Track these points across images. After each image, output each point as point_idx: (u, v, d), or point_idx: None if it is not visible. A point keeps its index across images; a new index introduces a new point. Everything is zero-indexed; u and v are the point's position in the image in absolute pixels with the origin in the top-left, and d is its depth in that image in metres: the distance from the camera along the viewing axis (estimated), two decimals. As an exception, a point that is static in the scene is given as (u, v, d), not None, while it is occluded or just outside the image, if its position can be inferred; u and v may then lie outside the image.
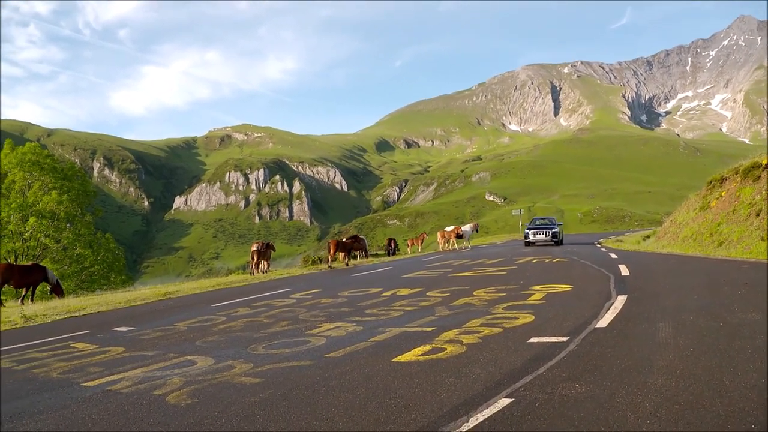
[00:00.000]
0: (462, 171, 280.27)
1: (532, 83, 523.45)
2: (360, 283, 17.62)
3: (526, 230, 36.49)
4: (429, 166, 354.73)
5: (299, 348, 8.45)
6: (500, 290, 13.32)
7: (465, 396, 5.55)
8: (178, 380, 6.96)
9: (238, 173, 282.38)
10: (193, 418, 5.49)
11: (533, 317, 9.54)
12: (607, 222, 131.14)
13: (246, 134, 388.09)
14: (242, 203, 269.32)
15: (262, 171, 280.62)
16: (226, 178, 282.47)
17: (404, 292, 14.56)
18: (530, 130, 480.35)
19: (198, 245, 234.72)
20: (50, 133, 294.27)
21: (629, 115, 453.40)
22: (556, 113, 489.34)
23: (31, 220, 34.15)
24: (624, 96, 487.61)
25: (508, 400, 5.31)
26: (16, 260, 32.66)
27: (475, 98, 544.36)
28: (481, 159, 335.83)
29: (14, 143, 39.44)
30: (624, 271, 16.08)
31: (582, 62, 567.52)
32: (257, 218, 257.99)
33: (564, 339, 7.68)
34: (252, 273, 26.41)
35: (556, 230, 35.22)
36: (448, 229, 43.31)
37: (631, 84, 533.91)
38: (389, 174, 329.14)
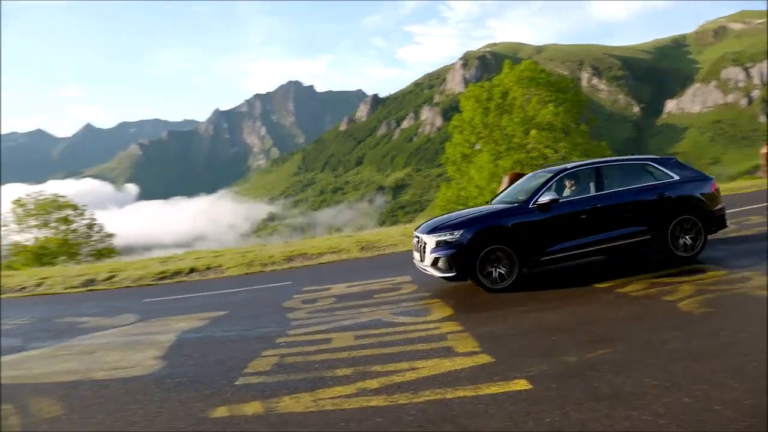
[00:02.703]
0: None
1: None
2: None
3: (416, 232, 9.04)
4: None
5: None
6: None
7: None
8: (689, 288, 6.86)
9: (738, 68, 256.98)
10: (708, 328, 5.40)
11: None
12: None
13: (744, 22, 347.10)
14: (743, 101, 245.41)
15: (766, 63, 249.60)
16: (723, 74, 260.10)
17: None
18: None
19: (694, 150, 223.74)
20: (539, 50, 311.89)
21: None
22: None
23: (532, 132, 37.10)
24: None
25: None
26: (521, 170, 35.99)
27: None
28: None
29: (511, 63, 42.76)
30: None
31: None
32: (762, 117, 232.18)
33: None
34: (769, 178, 24.03)
35: (459, 234, 7.91)
36: None
37: None
38: None
